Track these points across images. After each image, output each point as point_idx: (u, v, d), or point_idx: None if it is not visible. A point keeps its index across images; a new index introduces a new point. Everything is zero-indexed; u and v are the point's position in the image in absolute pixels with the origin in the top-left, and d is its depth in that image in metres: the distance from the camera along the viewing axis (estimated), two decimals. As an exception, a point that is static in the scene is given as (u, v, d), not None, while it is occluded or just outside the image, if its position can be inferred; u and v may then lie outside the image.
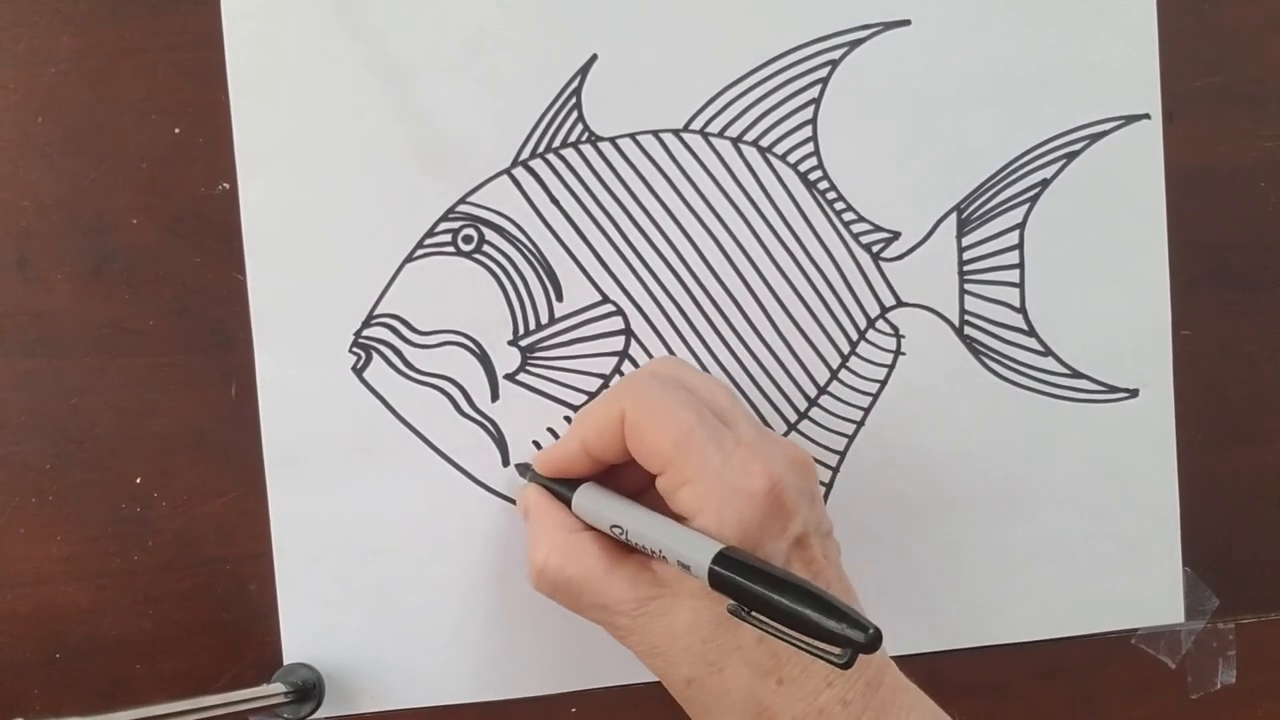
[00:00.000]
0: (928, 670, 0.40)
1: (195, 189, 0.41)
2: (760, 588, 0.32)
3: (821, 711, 0.35)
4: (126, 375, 0.41)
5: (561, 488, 0.38)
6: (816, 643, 0.31)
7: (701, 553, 0.33)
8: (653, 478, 0.36)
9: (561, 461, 0.38)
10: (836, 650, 0.30)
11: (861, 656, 0.31)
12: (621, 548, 0.37)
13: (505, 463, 0.42)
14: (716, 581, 0.33)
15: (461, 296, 0.42)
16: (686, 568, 0.34)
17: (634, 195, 0.42)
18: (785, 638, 0.31)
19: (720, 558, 0.33)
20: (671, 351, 0.42)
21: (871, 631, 0.30)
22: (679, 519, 0.35)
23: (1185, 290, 0.44)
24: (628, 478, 0.38)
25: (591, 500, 0.37)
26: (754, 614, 0.32)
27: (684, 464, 0.35)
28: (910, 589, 0.42)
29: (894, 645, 0.43)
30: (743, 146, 0.42)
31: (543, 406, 0.42)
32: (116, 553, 0.41)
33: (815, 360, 0.43)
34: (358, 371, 0.41)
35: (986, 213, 0.43)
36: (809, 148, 0.42)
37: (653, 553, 0.35)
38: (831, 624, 0.30)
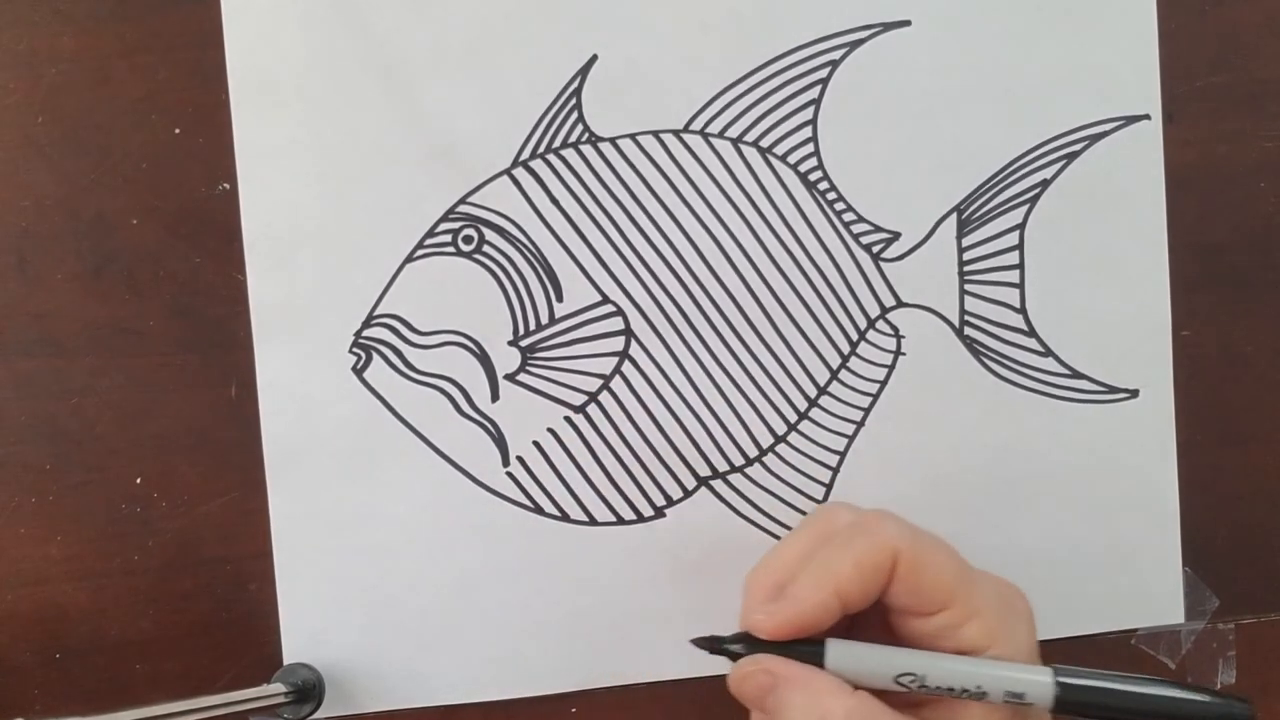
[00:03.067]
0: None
1: (195, 189, 0.41)
2: (1117, 696, 0.32)
3: None
4: (126, 375, 0.41)
5: (799, 650, 0.34)
6: None
7: (1038, 676, 0.33)
8: (853, 622, 0.35)
9: (809, 618, 0.33)
10: None
11: None
12: (890, 700, 0.33)
13: (505, 463, 0.42)
14: (1066, 703, 0.32)
15: (461, 297, 0.42)
16: (1018, 696, 0.33)
17: (634, 195, 0.42)
18: None
19: (1060, 678, 0.33)
20: (671, 352, 0.42)
21: (1247, 704, 0.30)
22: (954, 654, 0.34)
23: (1185, 290, 0.44)
24: (837, 627, 0.35)
25: (857, 654, 0.34)
26: None
27: (969, 597, 0.33)
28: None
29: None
30: (743, 147, 0.42)
31: (543, 406, 0.42)
32: (116, 553, 0.41)
33: (815, 360, 0.43)
34: (358, 371, 0.41)
35: (987, 213, 0.43)
36: (809, 148, 0.42)
37: (962, 693, 0.33)
38: (1215, 702, 0.30)
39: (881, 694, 0.33)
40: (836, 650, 0.34)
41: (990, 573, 0.35)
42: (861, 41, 0.42)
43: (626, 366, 0.42)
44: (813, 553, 0.35)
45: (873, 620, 0.35)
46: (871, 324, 0.43)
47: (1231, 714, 0.30)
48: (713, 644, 0.35)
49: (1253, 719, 0.30)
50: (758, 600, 0.35)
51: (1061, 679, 0.32)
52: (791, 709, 0.33)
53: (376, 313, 0.41)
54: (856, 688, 0.33)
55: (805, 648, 0.34)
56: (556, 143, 0.42)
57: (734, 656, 0.34)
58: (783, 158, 0.42)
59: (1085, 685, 0.32)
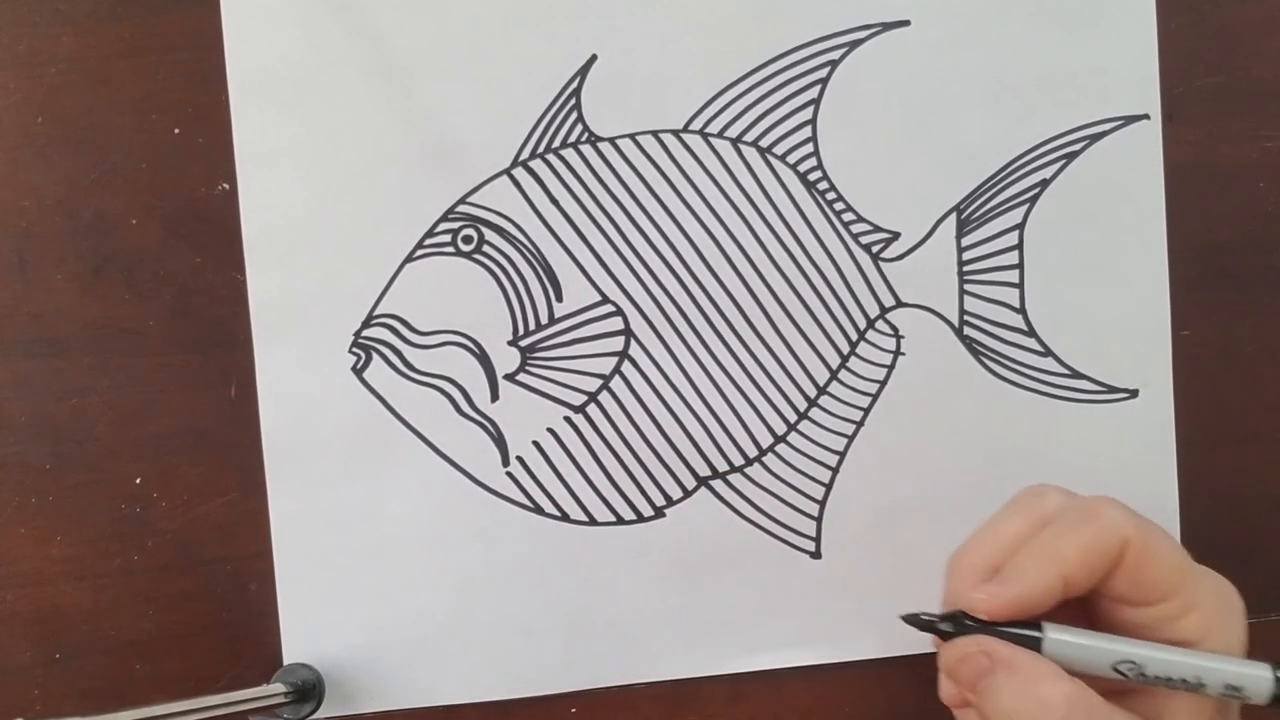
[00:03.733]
0: (929, 670, 0.40)
1: (195, 189, 0.41)
2: None
3: None
4: (126, 375, 0.41)
5: (1015, 633, 0.33)
6: None
7: (1258, 670, 0.33)
8: (1075, 616, 0.34)
9: (1033, 600, 0.33)
10: None
11: None
12: (1096, 685, 0.33)
13: (505, 463, 0.42)
14: None
15: (461, 297, 0.42)
16: (1236, 690, 0.33)
17: (634, 195, 0.42)
18: None
19: (1278, 670, 0.33)
20: (671, 352, 0.42)
21: None
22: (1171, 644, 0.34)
23: (1185, 290, 0.44)
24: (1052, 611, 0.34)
25: (1078, 640, 0.33)
26: None
27: (1191, 590, 0.34)
28: (910, 589, 0.42)
29: (894, 646, 0.43)
30: (742, 147, 0.42)
31: (543, 406, 0.42)
32: (116, 553, 0.41)
33: (815, 360, 0.43)
34: (358, 371, 0.41)
35: (986, 213, 0.43)
36: (809, 148, 0.42)
37: (1180, 683, 0.33)
38: None
39: (1089, 680, 0.33)
40: (1056, 635, 0.33)
41: (1205, 566, 0.35)
42: (861, 41, 0.42)
43: (626, 366, 0.42)
44: (1028, 535, 0.34)
45: (1074, 606, 0.35)
46: (871, 324, 0.43)
47: None
48: (924, 622, 0.34)
49: None
50: (970, 581, 0.34)
51: None
52: (1007, 694, 0.32)
53: (376, 313, 0.41)
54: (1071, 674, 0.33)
55: (1021, 631, 0.33)
56: (556, 143, 0.42)
57: (945, 636, 0.34)
58: (782, 158, 0.42)
59: None
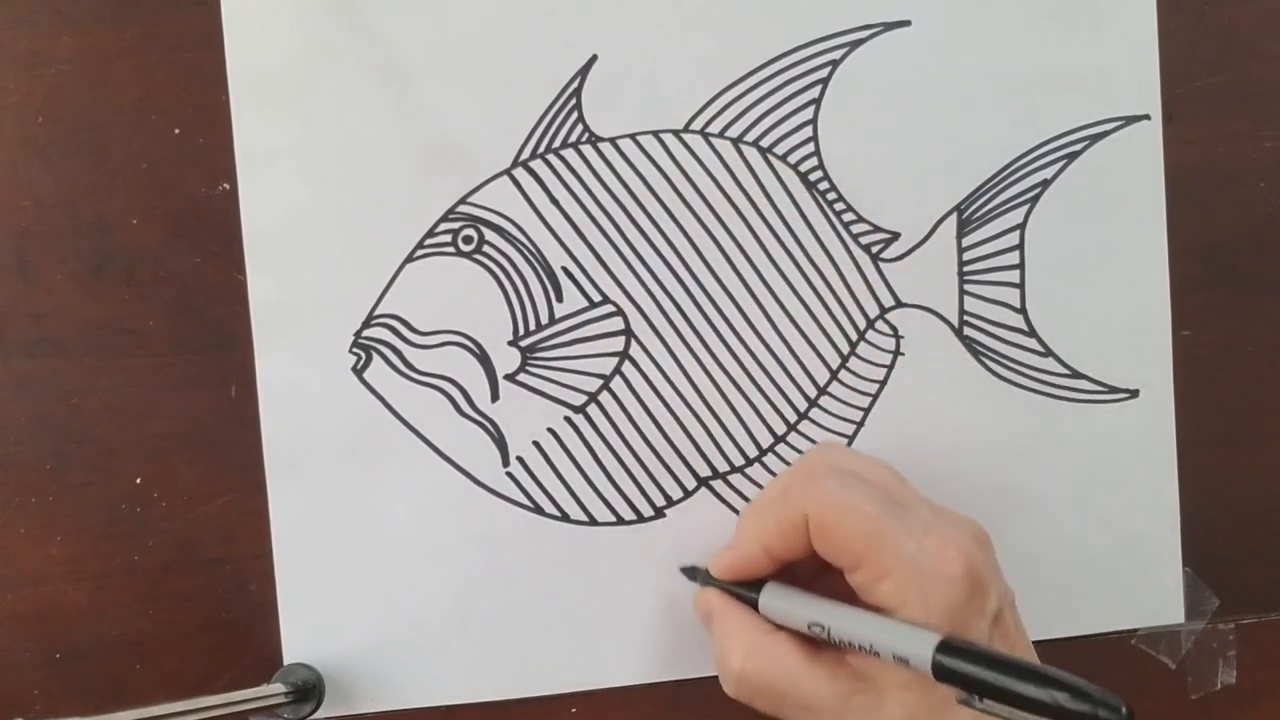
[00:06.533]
0: (928, 670, 0.40)
1: (195, 189, 0.41)
2: (995, 675, 0.31)
3: None
4: (126, 375, 0.41)
5: (742, 589, 0.38)
6: None
7: (921, 645, 0.33)
8: (826, 566, 0.36)
9: (742, 565, 0.38)
10: None
11: None
12: (814, 645, 0.36)
13: (505, 463, 0.42)
14: (942, 673, 0.32)
15: (461, 297, 0.42)
16: (904, 661, 0.33)
17: (634, 195, 0.42)
18: None
19: (944, 648, 0.32)
20: (671, 352, 0.42)
21: (1125, 711, 0.29)
22: (874, 610, 0.35)
23: (1185, 291, 0.44)
24: (802, 570, 0.38)
25: (782, 600, 0.37)
26: (986, 700, 0.31)
27: (879, 558, 0.34)
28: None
29: (894, 645, 0.43)
30: (743, 147, 0.42)
31: (543, 407, 0.42)
32: (116, 553, 0.41)
33: (815, 360, 0.43)
34: (358, 372, 0.41)
35: (987, 213, 0.43)
36: (809, 148, 0.42)
37: (860, 648, 0.34)
38: (1082, 707, 0.30)
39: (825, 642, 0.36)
40: (768, 594, 0.37)
41: (943, 534, 0.35)
42: (862, 41, 0.42)
43: (626, 366, 0.42)
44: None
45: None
46: (871, 324, 0.43)
47: (1098, 717, 0.29)
48: (689, 572, 0.41)
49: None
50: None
51: (941, 656, 0.32)
52: (719, 638, 0.38)
53: (376, 313, 0.41)
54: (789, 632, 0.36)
55: (740, 590, 0.38)
56: (556, 143, 0.42)
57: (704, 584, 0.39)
58: (783, 157, 0.42)
59: (962, 667, 0.32)
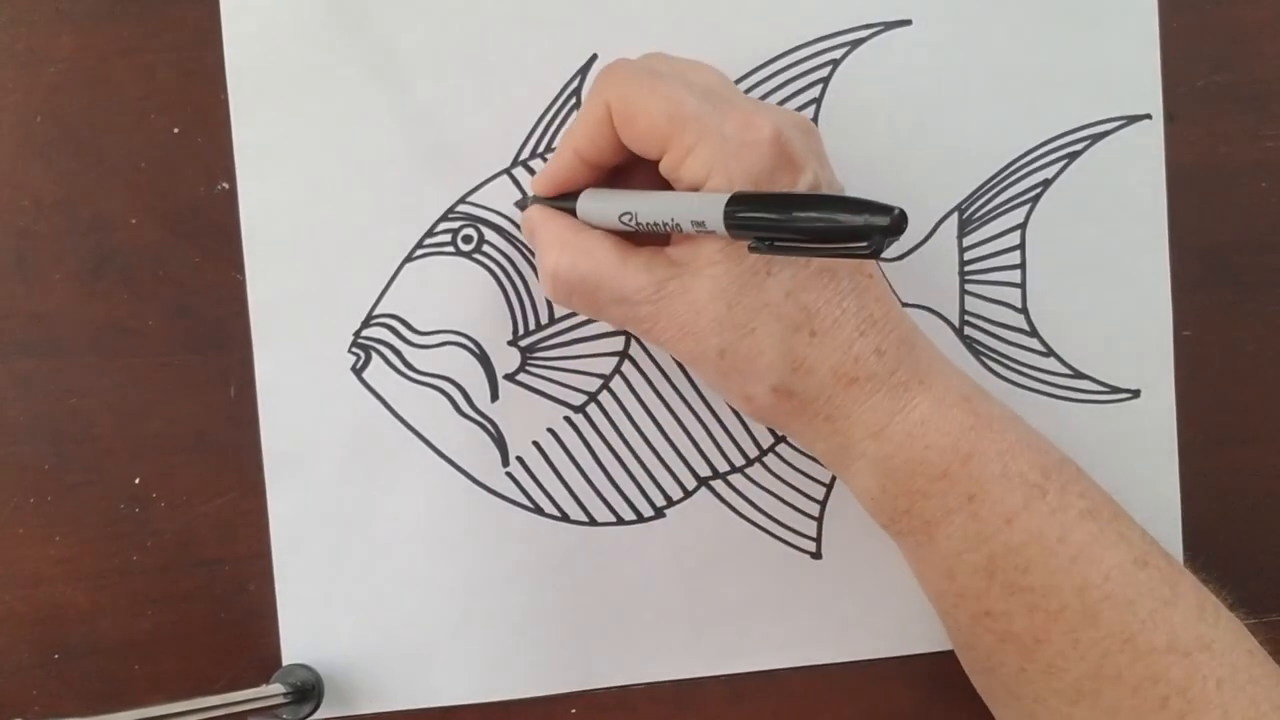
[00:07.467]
0: (929, 670, 0.40)
1: (195, 189, 0.41)
2: (780, 214, 0.30)
3: (857, 360, 0.35)
4: (126, 375, 0.41)
5: (565, 202, 0.38)
6: (846, 245, 0.29)
7: (715, 204, 0.32)
8: (651, 176, 0.36)
9: (559, 174, 0.38)
10: (864, 243, 0.29)
11: (890, 320, 0.34)
12: (632, 240, 0.36)
13: (505, 463, 0.42)
14: (734, 222, 0.32)
15: (461, 296, 0.42)
16: (701, 224, 0.33)
17: (634, 195, 0.42)
18: (814, 253, 0.30)
19: (734, 199, 0.32)
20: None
21: (896, 212, 0.29)
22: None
23: (1186, 290, 0.43)
24: (636, 182, 0.38)
25: (596, 199, 0.37)
26: (777, 243, 0.31)
27: (682, 135, 0.34)
28: (911, 589, 0.42)
29: (894, 646, 0.43)
30: (743, 146, 0.42)
31: (543, 406, 0.42)
32: (116, 553, 0.41)
33: (815, 360, 0.43)
34: (357, 371, 0.41)
35: (987, 213, 0.43)
36: (809, 147, 0.42)
37: (667, 226, 0.34)
38: (855, 219, 0.29)
39: (644, 239, 0.36)
40: (585, 198, 0.37)
41: (757, 108, 0.35)
42: (862, 41, 0.42)
43: (626, 366, 0.42)
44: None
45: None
46: (872, 324, 0.43)
47: (874, 225, 0.28)
48: (520, 203, 0.41)
49: (899, 225, 0.28)
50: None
51: (733, 204, 0.32)
52: (538, 243, 0.38)
53: (376, 312, 0.41)
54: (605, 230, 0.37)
55: (560, 203, 0.38)
56: (556, 142, 0.41)
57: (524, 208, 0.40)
58: (783, 157, 0.42)
59: (749, 213, 0.31)
